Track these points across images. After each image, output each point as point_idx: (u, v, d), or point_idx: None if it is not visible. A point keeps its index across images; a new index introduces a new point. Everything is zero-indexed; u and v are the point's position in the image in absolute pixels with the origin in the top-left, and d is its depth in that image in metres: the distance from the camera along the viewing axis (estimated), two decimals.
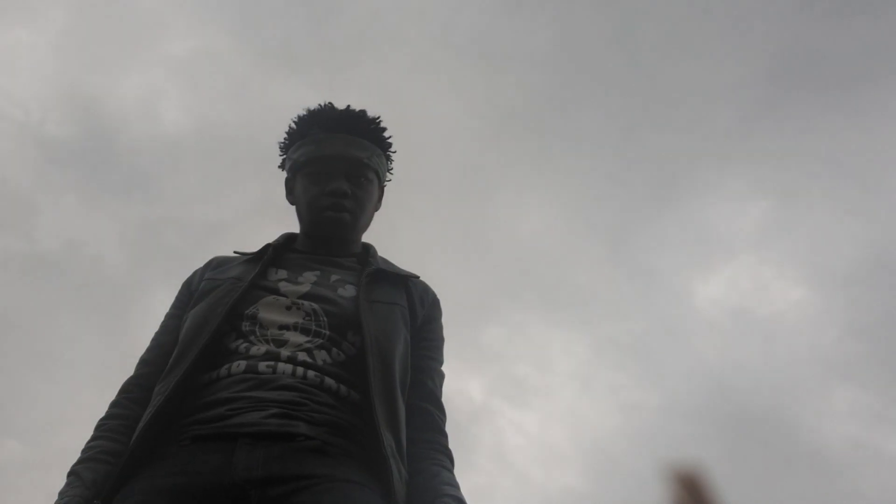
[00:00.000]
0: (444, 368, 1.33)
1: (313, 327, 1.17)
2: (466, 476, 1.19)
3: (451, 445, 1.23)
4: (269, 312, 1.19)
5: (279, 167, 1.48)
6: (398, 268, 1.39)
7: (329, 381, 1.11)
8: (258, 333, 1.16)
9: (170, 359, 1.18)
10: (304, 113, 1.43)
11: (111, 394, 1.24)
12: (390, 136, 1.45)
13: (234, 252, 1.40)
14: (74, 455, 1.14)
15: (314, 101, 1.44)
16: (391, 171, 1.48)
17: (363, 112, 1.42)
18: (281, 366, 1.11)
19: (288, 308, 1.20)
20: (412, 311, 1.30)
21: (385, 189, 1.48)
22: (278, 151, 1.48)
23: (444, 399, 1.29)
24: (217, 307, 1.19)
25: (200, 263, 1.41)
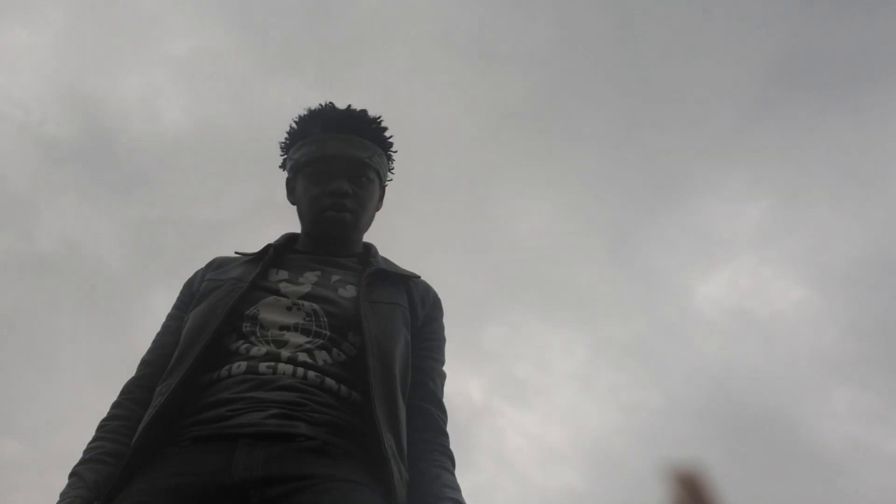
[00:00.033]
0: (444, 368, 1.33)
1: (314, 328, 1.17)
2: (466, 476, 1.19)
3: (451, 445, 1.23)
4: (270, 313, 1.19)
5: (280, 167, 1.48)
6: (399, 268, 1.39)
7: (329, 381, 1.11)
8: (259, 334, 1.16)
9: (171, 359, 1.18)
10: (305, 113, 1.43)
11: (111, 394, 1.25)
12: (391, 136, 1.45)
13: (236, 253, 1.40)
14: (74, 455, 1.14)
15: (314, 101, 1.44)
16: (392, 171, 1.48)
17: (364, 112, 1.42)
18: (281, 366, 1.11)
19: (288, 309, 1.20)
20: (413, 311, 1.30)
21: (386, 189, 1.48)
22: (279, 151, 1.48)
23: (444, 399, 1.29)
24: (218, 308, 1.19)
25: (200, 263, 1.41)
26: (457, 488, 1.13)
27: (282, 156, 1.48)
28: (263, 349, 1.13)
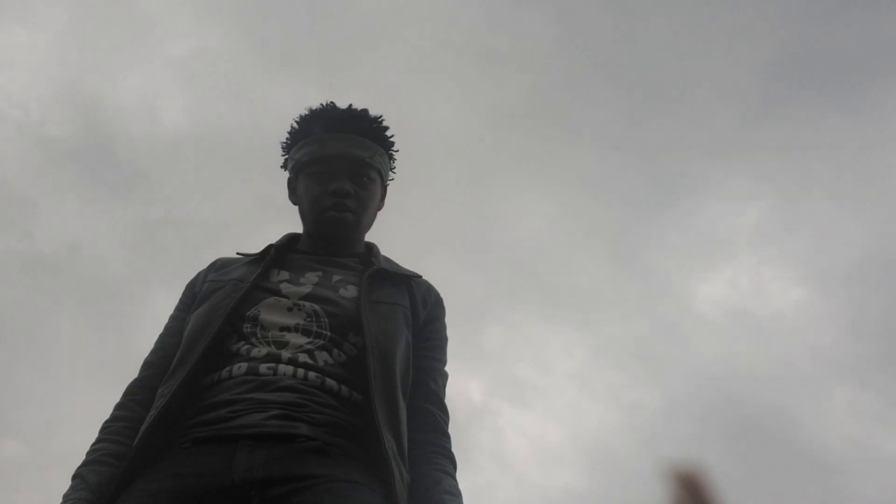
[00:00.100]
0: (446, 368, 1.32)
1: (314, 328, 1.17)
2: (466, 476, 1.19)
3: (451, 446, 1.23)
4: (271, 314, 1.19)
5: (281, 167, 1.48)
6: (401, 267, 1.39)
7: (330, 382, 1.11)
8: (259, 335, 1.16)
9: (173, 361, 1.18)
10: (306, 112, 1.43)
11: (111, 393, 1.25)
12: (392, 135, 1.45)
13: (237, 253, 1.40)
14: (74, 455, 1.15)
15: (314, 101, 1.44)
16: (393, 171, 1.48)
17: (365, 111, 1.42)
18: (282, 367, 1.11)
19: (289, 309, 1.20)
20: (414, 311, 1.30)
21: (387, 188, 1.48)
22: (278, 151, 1.48)
23: (445, 399, 1.29)
24: (219, 309, 1.19)
25: (200, 264, 1.41)
26: (457, 494, 1.13)
27: (283, 156, 1.48)
28: (264, 350, 1.13)
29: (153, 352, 1.29)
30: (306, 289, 1.24)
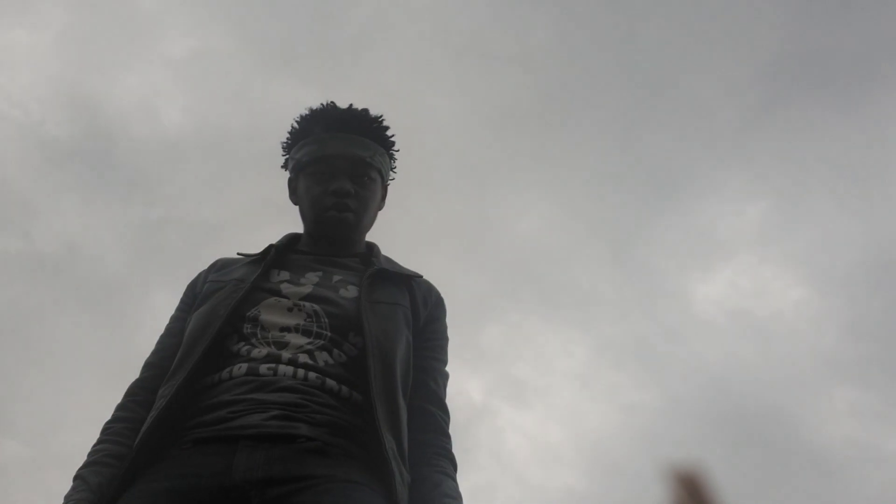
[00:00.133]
0: (447, 369, 1.32)
1: (315, 329, 1.17)
2: (466, 476, 1.19)
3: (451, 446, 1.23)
4: (271, 314, 1.19)
5: (282, 167, 1.48)
6: (402, 267, 1.39)
7: (330, 382, 1.11)
8: (259, 336, 1.16)
9: (174, 361, 1.18)
10: (307, 112, 1.43)
11: (111, 393, 1.25)
12: (393, 135, 1.45)
13: (238, 254, 1.40)
14: (74, 455, 1.15)
15: (314, 101, 1.44)
16: (394, 170, 1.48)
17: (366, 111, 1.42)
18: (282, 368, 1.11)
19: (289, 310, 1.20)
20: (415, 311, 1.30)
21: (388, 188, 1.48)
22: (278, 151, 1.48)
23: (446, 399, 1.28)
24: (219, 309, 1.19)
25: (200, 264, 1.41)
26: (457, 496, 1.13)
27: (283, 155, 1.48)
28: (264, 351, 1.13)
29: (154, 352, 1.29)
30: (307, 289, 1.24)
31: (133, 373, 1.28)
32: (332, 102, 1.42)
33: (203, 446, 1.02)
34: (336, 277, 1.28)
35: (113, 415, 1.21)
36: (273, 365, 1.11)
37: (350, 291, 1.25)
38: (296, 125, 1.44)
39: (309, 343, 1.15)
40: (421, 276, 1.38)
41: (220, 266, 1.37)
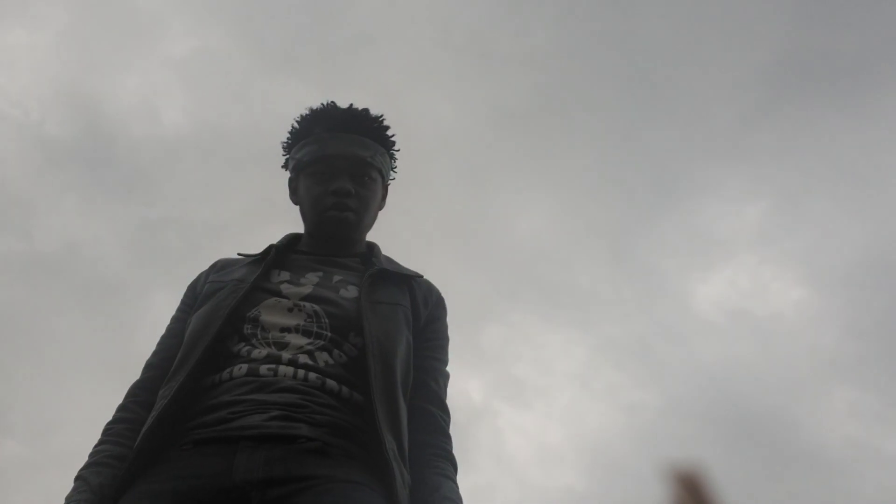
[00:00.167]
0: (448, 369, 1.32)
1: (315, 329, 1.17)
2: (466, 476, 1.19)
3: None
4: (271, 315, 1.18)
5: (282, 167, 1.48)
6: (402, 267, 1.38)
7: (331, 382, 1.11)
8: (260, 336, 1.16)
9: (174, 362, 1.18)
10: (307, 112, 1.43)
11: (110, 393, 1.25)
12: (393, 135, 1.45)
13: (238, 254, 1.40)
14: (74, 455, 1.15)
15: (314, 101, 1.44)
16: (395, 170, 1.48)
17: (366, 111, 1.42)
18: (282, 368, 1.10)
19: (290, 310, 1.19)
20: (415, 311, 1.30)
21: (388, 188, 1.48)
22: (279, 151, 1.48)
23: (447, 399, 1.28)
24: (219, 310, 1.19)
25: (200, 264, 1.41)
26: (457, 499, 1.13)
27: (284, 155, 1.48)
28: (264, 351, 1.13)
29: (155, 353, 1.29)
30: (307, 289, 1.24)
31: (133, 373, 1.28)
32: (332, 102, 1.42)
33: (203, 447, 1.02)
34: (336, 277, 1.28)
35: (114, 416, 1.21)
36: (273, 365, 1.11)
37: (350, 291, 1.25)
38: (296, 125, 1.44)
39: (309, 343, 1.15)
40: (421, 276, 1.38)
41: (221, 266, 1.37)
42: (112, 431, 1.17)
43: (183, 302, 1.35)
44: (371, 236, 1.45)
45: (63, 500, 1.07)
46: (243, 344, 1.15)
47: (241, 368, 1.11)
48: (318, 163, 1.36)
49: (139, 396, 1.22)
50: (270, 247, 1.35)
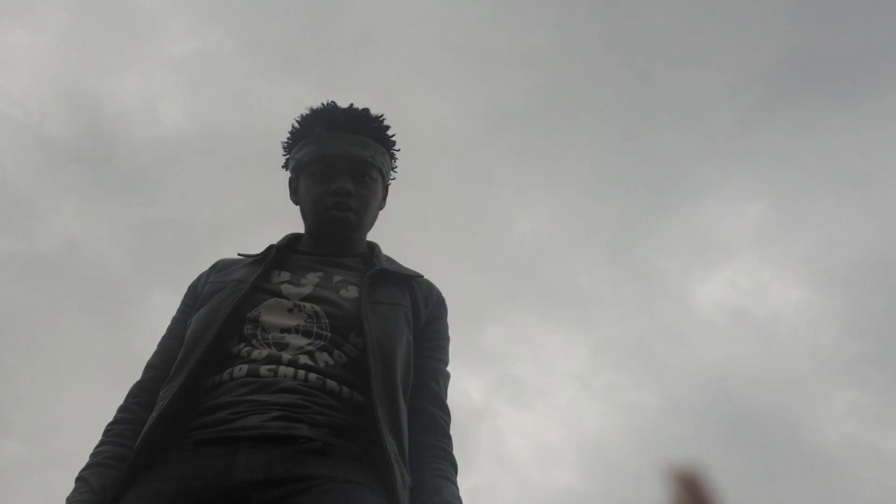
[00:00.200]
0: (448, 369, 1.32)
1: (315, 329, 1.17)
2: (466, 476, 1.19)
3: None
4: (271, 315, 1.18)
5: (283, 167, 1.48)
6: (403, 267, 1.38)
7: (331, 383, 1.11)
8: (260, 337, 1.16)
9: (175, 363, 1.18)
10: (308, 112, 1.43)
11: (111, 393, 1.25)
12: (394, 135, 1.45)
13: (239, 254, 1.39)
14: (74, 455, 1.15)
15: (314, 101, 1.44)
16: (395, 170, 1.48)
17: (366, 110, 1.42)
18: (282, 369, 1.10)
19: (290, 310, 1.19)
20: (415, 311, 1.30)
21: (389, 188, 1.48)
22: (279, 151, 1.48)
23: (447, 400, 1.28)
24: (219, 310, 1.19)
25: (200, 264, 1.41)
26: (457, 501, 1.13)
27: (284, 155, 1.48)
28: (265, 352, 1.13)
29: (155, 354, 1.29)
30: (307, 290, 1.24)
31: (133, 373, 1.28)
32: (332, 102, 1.42)
33: (204, 447, 1.02)
34: (337, 278, 1.28)
35: (115, 416, 1.21)
36: (273, 366, 1.11)
37: (350, 292, 1.25)
38: (296, 125, 1.44)
39: (309, 344, 1.15)
40: (422, 276, 1.38)
41: (221, 267, 1.36)
42: (113, 432, 1.17)
43: (183, 303, 1.35)
44: (371, 236, 1.45)
45: (63, 501, 1.07)
46: (244, 344, 1.15)
47: (241, 369, 1.11)
48: (319, 163, 1.36)
49: (140, 397, 1.22)
50: (271, 247, 1.35)
